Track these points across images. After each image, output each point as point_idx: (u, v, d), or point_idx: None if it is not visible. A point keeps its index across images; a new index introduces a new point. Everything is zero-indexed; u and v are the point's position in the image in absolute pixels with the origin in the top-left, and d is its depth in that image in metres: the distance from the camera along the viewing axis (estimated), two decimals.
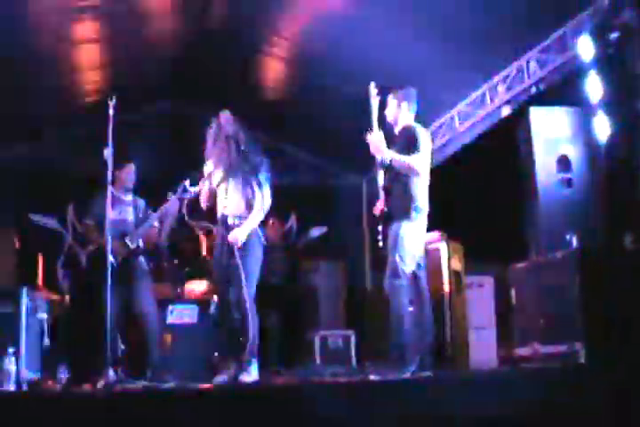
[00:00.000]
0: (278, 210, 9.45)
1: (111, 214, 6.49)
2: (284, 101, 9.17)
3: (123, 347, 6.71)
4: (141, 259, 7.15)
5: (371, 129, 6.04)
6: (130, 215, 7.17)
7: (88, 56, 8.29)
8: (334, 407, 4.39)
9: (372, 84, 6.14)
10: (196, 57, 8.76)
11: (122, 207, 7.11)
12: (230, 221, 6.13)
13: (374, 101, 6.11)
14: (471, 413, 4.43)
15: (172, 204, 6.86)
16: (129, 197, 7.23)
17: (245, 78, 9.07)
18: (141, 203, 7.29)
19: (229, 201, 6.19)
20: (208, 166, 6.28)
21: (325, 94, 8.69)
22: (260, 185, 6.17)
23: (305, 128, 9.88)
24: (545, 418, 4.42)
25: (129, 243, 7.00)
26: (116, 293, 6.44)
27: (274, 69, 8.92)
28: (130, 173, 7.20)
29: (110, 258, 6.50)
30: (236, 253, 6.00)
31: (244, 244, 6.04)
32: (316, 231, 9.37)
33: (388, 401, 4.50)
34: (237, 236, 6.05)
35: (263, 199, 6.19)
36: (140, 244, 7.12)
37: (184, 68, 9.10)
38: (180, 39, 8.63)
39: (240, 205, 6.19)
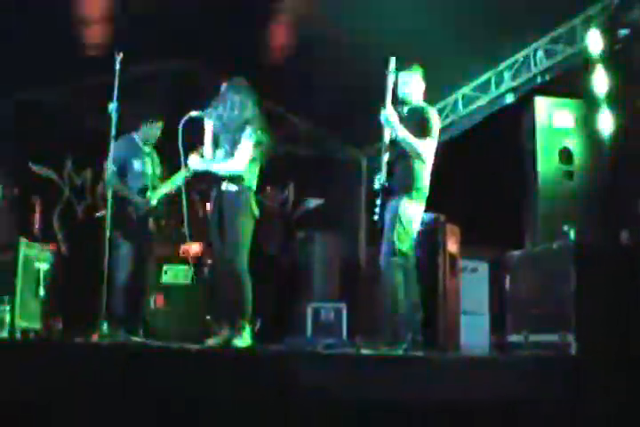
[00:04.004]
0: (276, 179, 9.56)
1: (134, 165, 6.89)
2: (289, 70, 9.11)
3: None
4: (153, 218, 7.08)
5: (383, 104, 5.94)
6: (149, 168, 7.09)
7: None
8: (325, 378, 4.43)
9: (393, 58, 5.98)
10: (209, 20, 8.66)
11: (143, 159, 7.05)
12: (223, 187, 6.09)
13: (391, 76, 5.98)
14: (459, 396, 4.48)
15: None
16: (148, 149, 7.16)
17: (251, 43, 8.99)
18: (156, 158, 7.23)
19: (224, 164, 6.14)
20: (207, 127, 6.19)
21: (334, 66, 8.65)
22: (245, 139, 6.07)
23: (309, 98, 9.83)
24: (532, 406, 4.49)
25: (149, 199, 6.94)
26: (130, 247, 6.72)
27: (280, 36, 8.85)
28: (157, 129, 7.14)
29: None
30: (227, 214, 6.02)
31: (234, 206, 6.02)
32: (312, 203, 9.39)
33: (379, 377, 4.54)
34: (192, 160, 6.12)
35: (242, 152, 6.05)
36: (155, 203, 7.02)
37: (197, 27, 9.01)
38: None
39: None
